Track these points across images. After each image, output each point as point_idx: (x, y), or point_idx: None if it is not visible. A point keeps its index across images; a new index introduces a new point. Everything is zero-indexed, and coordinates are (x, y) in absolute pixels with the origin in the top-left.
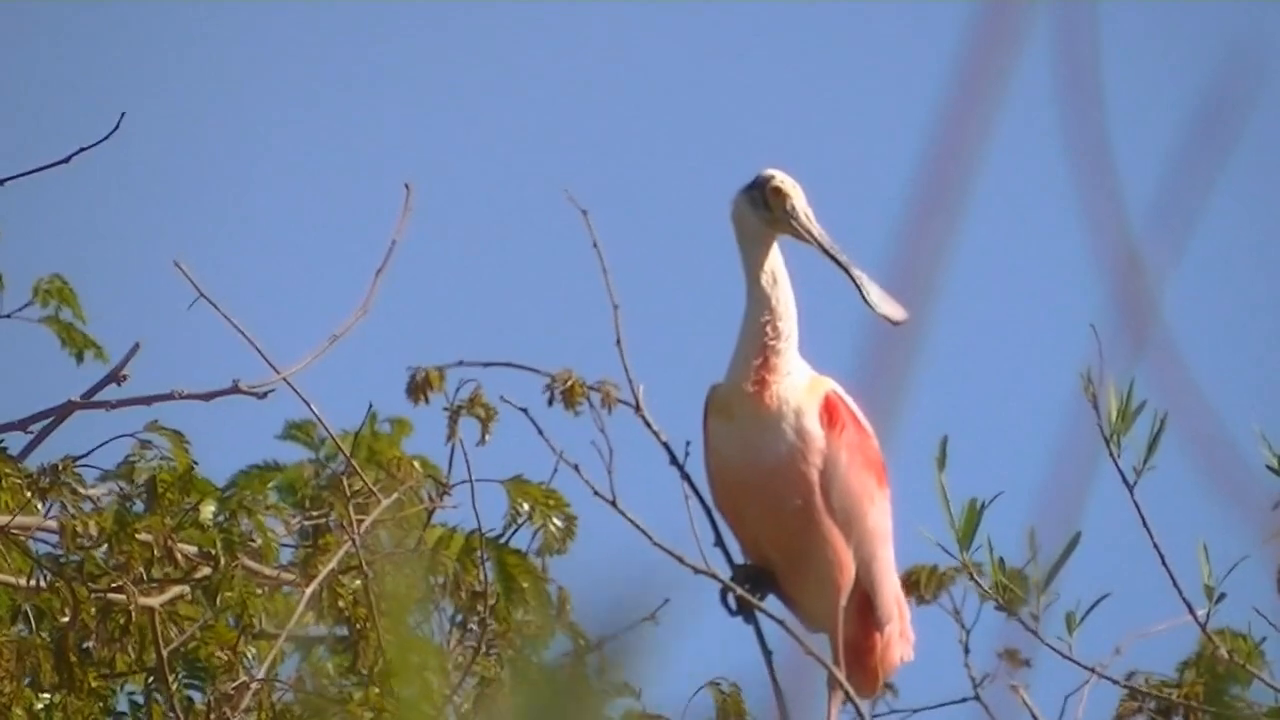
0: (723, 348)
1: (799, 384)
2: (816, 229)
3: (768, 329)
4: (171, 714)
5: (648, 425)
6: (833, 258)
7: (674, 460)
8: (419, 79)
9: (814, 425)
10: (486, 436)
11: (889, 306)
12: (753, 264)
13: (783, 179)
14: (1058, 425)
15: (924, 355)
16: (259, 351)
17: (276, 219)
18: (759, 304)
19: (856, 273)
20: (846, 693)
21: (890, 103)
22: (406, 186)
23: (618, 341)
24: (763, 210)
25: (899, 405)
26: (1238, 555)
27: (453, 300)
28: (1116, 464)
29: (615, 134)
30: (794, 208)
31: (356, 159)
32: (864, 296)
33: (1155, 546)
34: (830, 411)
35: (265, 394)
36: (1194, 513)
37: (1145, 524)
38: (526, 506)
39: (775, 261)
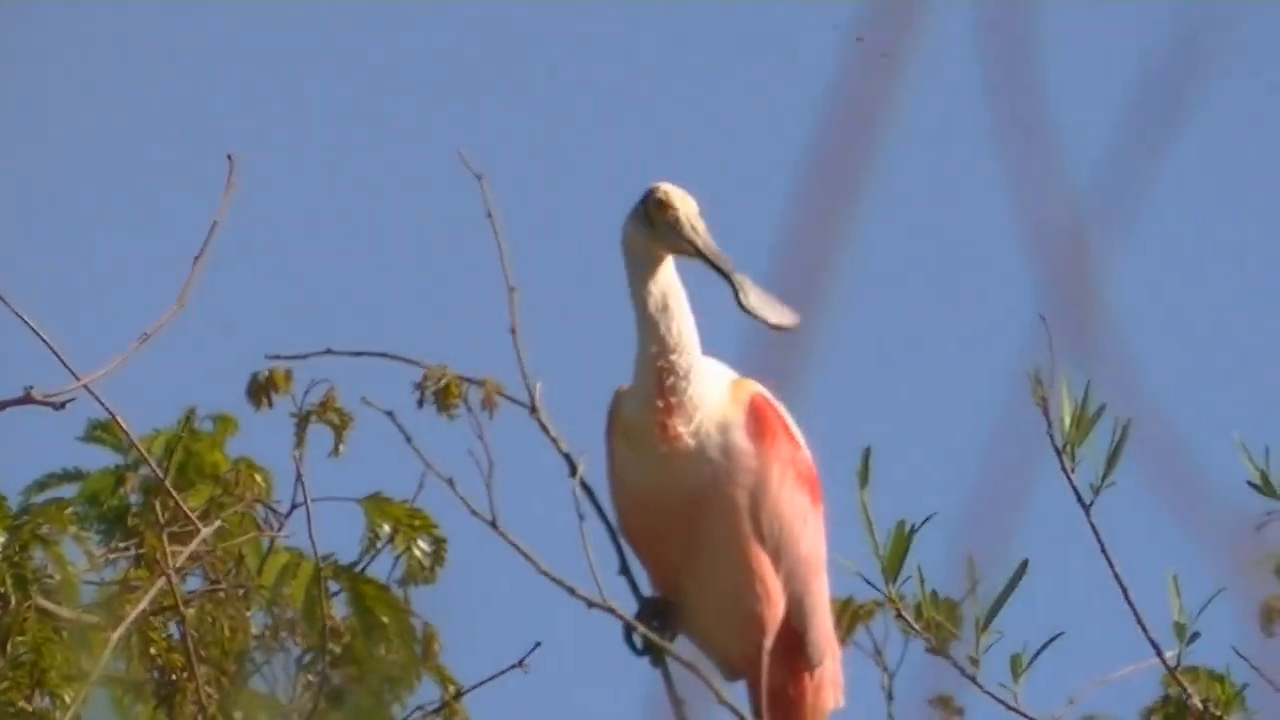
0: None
1: (716, 397)
2: (700, 239)
3: (661, 366)
4: None
5: (545, 430)
6: (713, 263)
7: (574, 473)
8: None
9: (742, 439)
10: (341, 446)
11: (772, 312)
12: (638, 289)
13: (667, 190)
14: (1000, 435)
15: (827, 359)
16: (57, 356)
17: (83, 209)
18: (648, 336)
19: (738, 278)
20: None
21: (793, 75)
22: (229, 158)
23: (513, 330)
24: (647, 228)
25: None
26: (1211, 585)
27: (306, 291)
28: (1070, 480)
29: (508, 98)
30: (678, 219)
31: (175, 135)
32: (740, 301)
33: (1116, 577)
34: (760, 421)
35: (64, 404)
36: (1161, 537)
37: (1104, 550)
38: (387, 528)
39: (665, 284)
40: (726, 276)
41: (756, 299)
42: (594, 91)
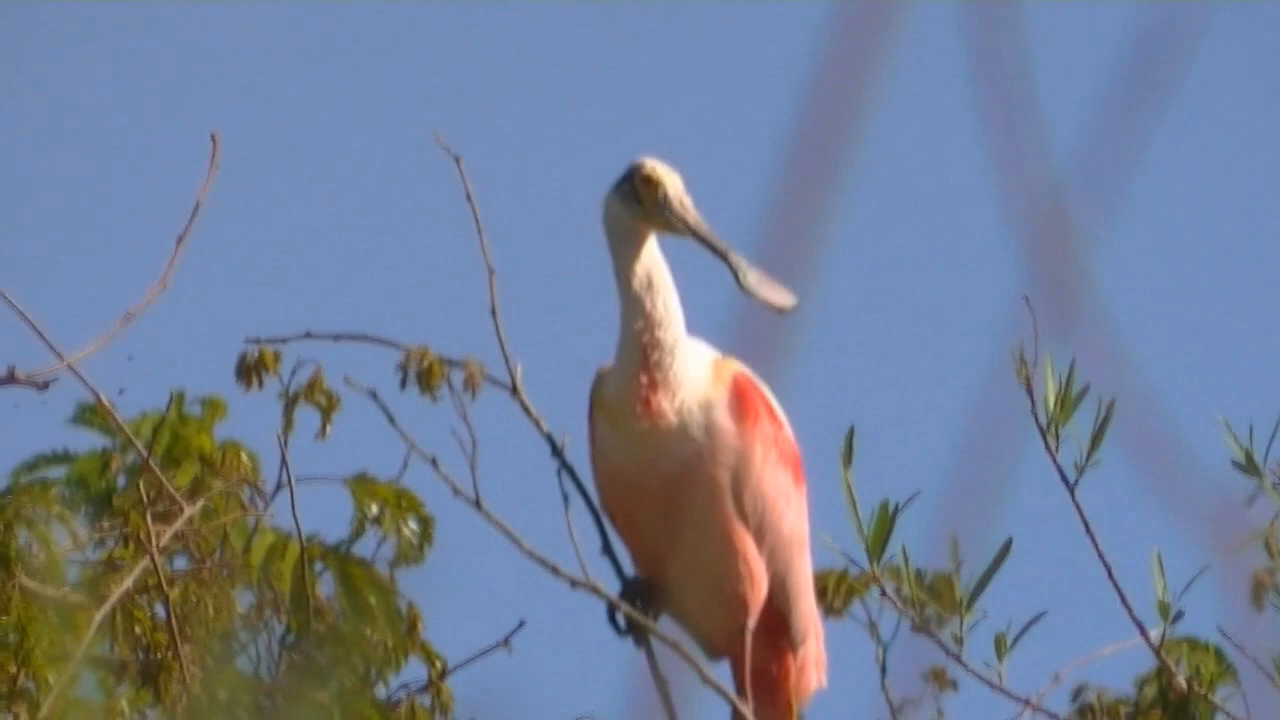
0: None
1: (699, 376)
2: (691, 216)
3: (646, 341)
4: None
5: (526, 411)
6: (709, 244)
7: (556, 453)
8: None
9: (724, 419)
10: (328, 427)
11: (772, 292)
12: (623, 266)
13: (654, 167)
14: (983, 414)
15: (810, 338)
16: (41, 336)
17: (65, 188)
18: (633, 312)
19: (735, 258)
20: None
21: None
22: (212, 138)
23: (493, 311)
24: (634, 205)
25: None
26: (1195, 564)
27: (288, 273)
28: (1054, 459)
29: (485, 79)
30: (667, 197)
31: (156, 115)
32: (740, 282)
33: (1100, 556)
34: (742, 400)
35: (47, 384)
36: (1145, 516)
37: (1088, 529)
38: (375, 509)
39: (649, 261)
40: (723, 256)
41: (755, 280)
42: (571, 71)
